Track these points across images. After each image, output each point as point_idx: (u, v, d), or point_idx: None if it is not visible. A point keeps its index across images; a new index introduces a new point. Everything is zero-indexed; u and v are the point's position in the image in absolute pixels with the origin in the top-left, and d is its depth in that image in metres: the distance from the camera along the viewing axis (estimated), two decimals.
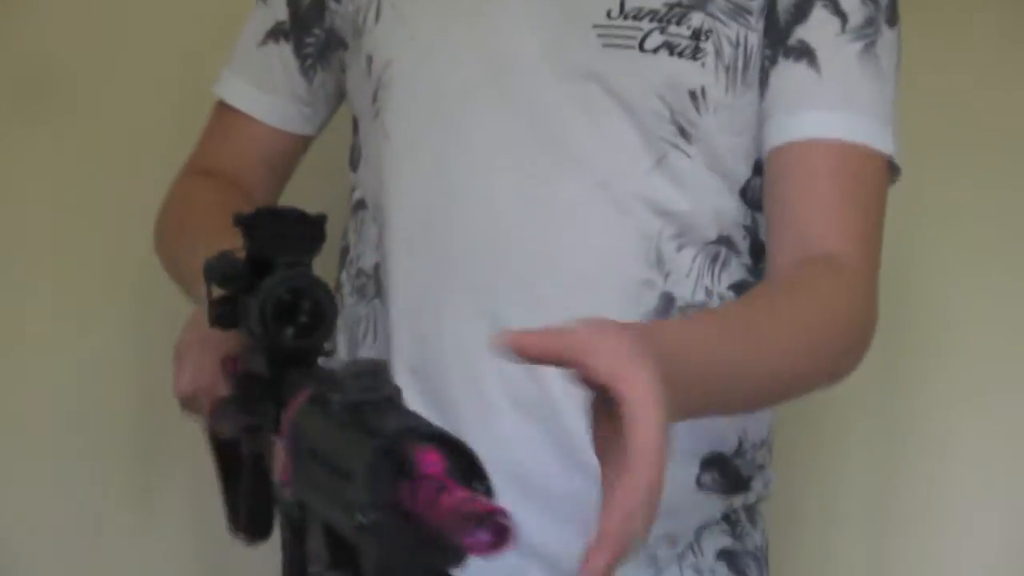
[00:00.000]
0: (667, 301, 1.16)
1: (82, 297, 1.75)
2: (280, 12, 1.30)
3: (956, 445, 1.75)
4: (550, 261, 1.15)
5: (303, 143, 1.36)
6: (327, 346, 0.95)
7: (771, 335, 1.03)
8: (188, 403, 1.09)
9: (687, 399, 0.89)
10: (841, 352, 1.10)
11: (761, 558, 1.24)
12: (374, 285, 1.23)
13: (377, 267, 1.23)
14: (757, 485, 1.23)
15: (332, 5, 1.27)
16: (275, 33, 1.31)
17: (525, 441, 1.15)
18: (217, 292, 0.98)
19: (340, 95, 1.33)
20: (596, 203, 1.15)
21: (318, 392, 0.86)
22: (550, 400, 1.14)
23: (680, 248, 1.16)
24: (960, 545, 1.75)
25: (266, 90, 1.32)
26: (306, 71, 1.31)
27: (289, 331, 0.93)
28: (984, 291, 1.74)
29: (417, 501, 0.72)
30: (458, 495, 0.70)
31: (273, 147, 1.34)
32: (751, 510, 1.24)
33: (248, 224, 0.96)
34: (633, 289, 1.16)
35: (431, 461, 0.72)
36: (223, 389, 1.05)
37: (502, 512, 0.69)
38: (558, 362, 0.85)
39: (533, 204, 1.15)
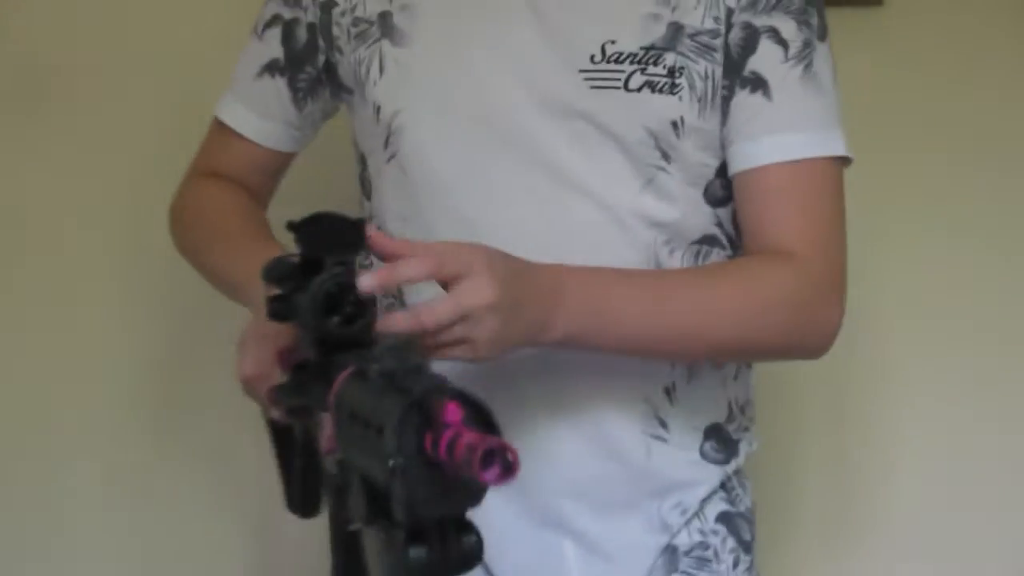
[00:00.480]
0: None
1: (82, 295, 1.80)
2: (275, 51, 1.42)
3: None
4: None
5: (292, 157, 1.50)
6: (367, 336, 1.07)
7: (678, 294, 1.22)
8: (247, 387, 1.21)
9: (573, 315, 1.15)
10: (773, 329, 1.26)
11: (751, 518, 1.39)
12: (400, 305, 1.36)
13: (401, 292, 1.36)
14: (744, 446, 1.38)
15: (335, 56, 1.39)
16: (271, 68, 1.43)
17: (556, 432, 1.30)
18: (273, 290, 1.11)
19: (325, 119, 1.47)
20: (603, 223, 1.29)
21: (359, 368, 1.00)
22: (577, 393, 1.30)
23: (671, 252, 1.31)
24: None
25: (262, 116, 1.44)
26: (298, 102, 1.44)
27: (335, 320, 1.06)
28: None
29: (439, 447, 0.85)
30: (470, 437, 0.83)
31: (266, 161, 1.47)
32: (740, 474, 1.39)
33: (300, 229, 1.08)
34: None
35: (452, 411, 0.85)
36: (277, 377, 1.18)
37: (508, 448, 0.82)
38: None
39: (554, 227, 1.29)
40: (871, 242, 1.71)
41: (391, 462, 0.86)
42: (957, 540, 1.86)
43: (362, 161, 1.41)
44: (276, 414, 1.18)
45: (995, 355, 1.86)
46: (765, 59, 1.28)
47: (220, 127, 1.47)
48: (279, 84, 1.43)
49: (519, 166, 1.29)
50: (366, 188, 1.41)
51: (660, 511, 1.32)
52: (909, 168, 1.84)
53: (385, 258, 1.10)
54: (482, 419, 0.88)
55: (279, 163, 1.49)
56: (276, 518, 1.35)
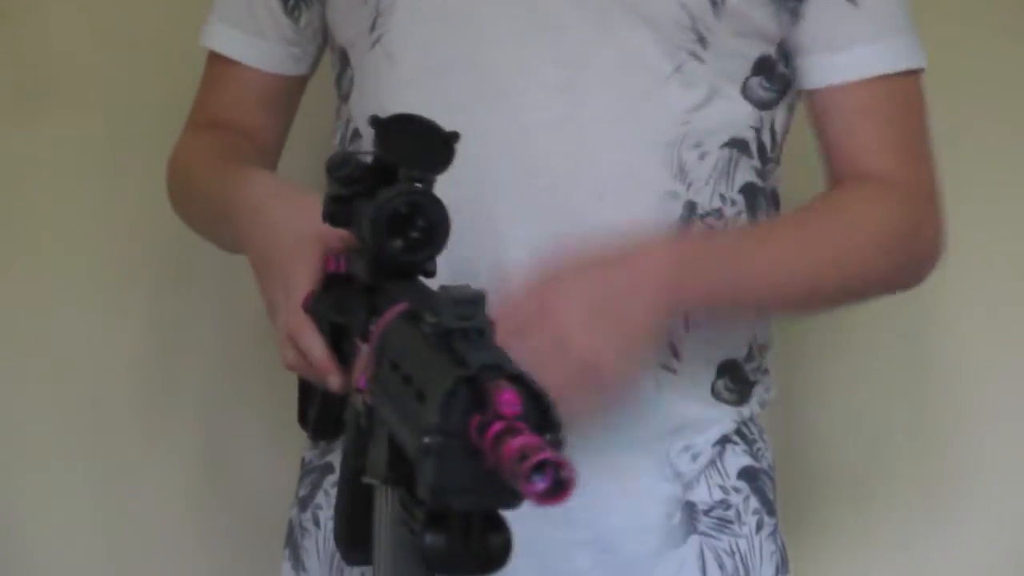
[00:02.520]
0: (690, 209, 1.20)
1: (83, 295, 1.75)
2: None
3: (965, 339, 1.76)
4: (581, 176, 1.17)
5: (298, 83, 1.35)
6: (430, 267, 0.96)
7: (789, 246, 1.14)
8: (285, 345, 1.08)
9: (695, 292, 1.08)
10: (884, 261, 1.19)
11: (773, 476, 1.30)
12: None
13: None
14: (760, 391, 1.28)
15: None
16: None
17: None
18: (335, 189, 0.98)
19: (322, 36, 1.32)
20: (620, 116, 1.17)
21: (414, 309, 0.87)
22: None
23: (701, 156, 1.19)
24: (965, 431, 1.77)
25: (253, 34, 1.31)
26: (291, 11, 1.29)
27: (398, 244, 0.93)
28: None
29: (485, 437, 0.73)
30: (524, 439, 0.71)
31: (268, 90, 1.33)
32: (759, 425, 1.29)
33: (382, 127, 0.95)
34: (660, 200, 1.19)
35: (507, 401, 0.73)
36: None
37: (564, 464, 0.70)
38: None
39: (559, 120, 1.17)
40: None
41: (426, 439, 0.75)
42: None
43: (342, 59, 1.27)
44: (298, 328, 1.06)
45: None
46: None
47: (210, 63, 1.35)
48: None
49: (528, 50, 1.17)
50: (343, 89, 1.27)
51: (669, 455, 1.22)
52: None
53: None
54: (541, 412, 0.76)
55: (283, 92, 1.34)
56: (274, 518, 1.34)
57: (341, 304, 1.02)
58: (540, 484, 0.69)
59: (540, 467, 0.70)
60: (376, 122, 0.95)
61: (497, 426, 0.73)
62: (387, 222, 0.93)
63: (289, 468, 1.35)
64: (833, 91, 1.21)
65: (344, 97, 1.27)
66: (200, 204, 1.28)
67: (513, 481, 0.70)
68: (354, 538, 1.02)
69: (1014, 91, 1.72)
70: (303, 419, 1.18)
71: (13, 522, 1.75)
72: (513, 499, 0.76)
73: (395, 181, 0.94)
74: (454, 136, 0.96)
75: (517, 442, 0.71)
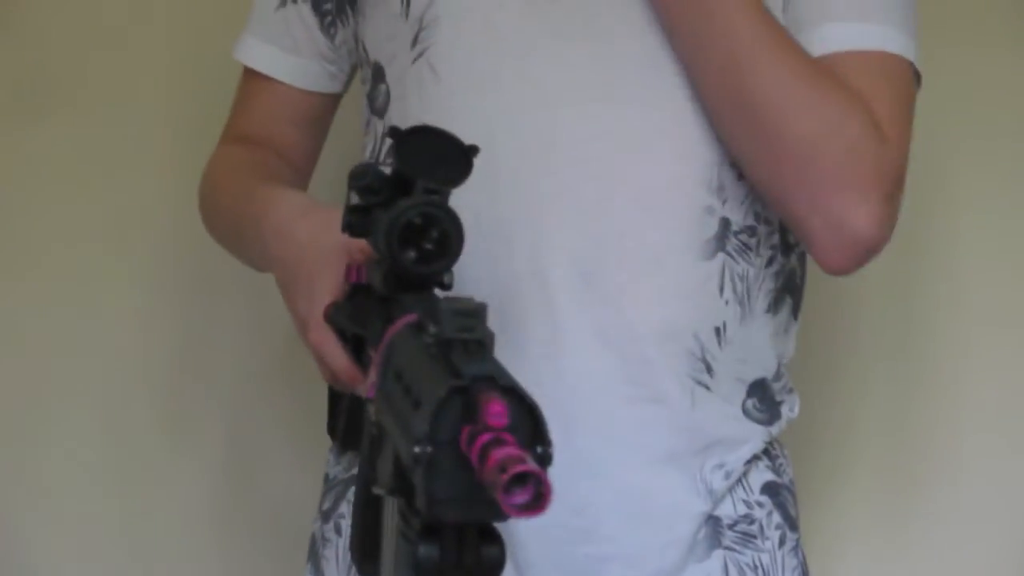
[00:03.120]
0: (724, 226, 1.20)
1: (83, 295, 1.76)
2: None
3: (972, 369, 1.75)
4: (623, 189, 1.18)
5: (332, 101, 1.36)
6: (446, 279, 0.96)
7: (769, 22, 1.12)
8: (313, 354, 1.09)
9: None
10: (812, 136, 1.13)
11: (794, 491, 1.29)
12: None
13: None
14: (785, 410, 1.27)
15: None
16: None
17: (600, 371, 1.18)
18: (354, 200, 0.99)
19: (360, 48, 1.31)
20: (660, 131, 1.17)
21: (420, 320, 0.87)
22: (629, 327, 1.18)
23: (740, 176, 1.19)
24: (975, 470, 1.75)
25: (290, 52, 1.31)
26: (327, 28, 1.30)
27: (411, 255, 0.93)
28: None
29: (473, 448, 0.73)
30: (507, 451, 0.71)
31: (302, 108, 1.34)
32: (780, 443, 1.28)
33: (400, 138, 0.96)
34: (696, 216, 1.19)
35: (496, 412, 0.73)
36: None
37: (542, 477, 0.70)
38: None
39: (600, 133, 1.17)
40: (946, 200, 1.64)
41: (417, 448, 0.75)
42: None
43: (376, 74, 1.27)
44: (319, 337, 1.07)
45: None
46: None
47: (245, 79, 1.35)
48: (303, 10, 1.31)
49: (570, 61, 1.17)
50: (377, 105, 1.27)
51: (703, 471, 1.21)
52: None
53: None
54: (531, 425, 0.75)
55: (317, 109, 1.35)
56: (295, 530, 1.35)
57: (358, 314, 1.03)
58: (519, 497, 0.70)
59: (521, 479, 0.70)
60: (395, 133, 0.96)
61: (484, 437, 0.73)
62: (401, 233, 0.93)
63: (311, 480, 1.36)
64: (830, 59, 1.17)
65: (378, 112, 1.27)
66: (227, 221, 1.29)
67: (493, 491, 0.70)
68: (368, 549, 1.02)
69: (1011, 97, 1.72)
70: (332, 430, 1.19)
71: (33, 528, 1.77)
72: (502, 512, 0.73)
73: (412, 193, 0.94)
74: (473, 149, 0.96)
75: (499, 453, 0.71)
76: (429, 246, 0.94)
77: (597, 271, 1.17)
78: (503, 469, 0.70)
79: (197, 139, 1.37)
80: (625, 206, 1.18)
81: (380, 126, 1.27)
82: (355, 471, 1.26)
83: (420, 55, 1.22)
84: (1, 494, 1.76)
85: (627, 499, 1.19)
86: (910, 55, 1.19)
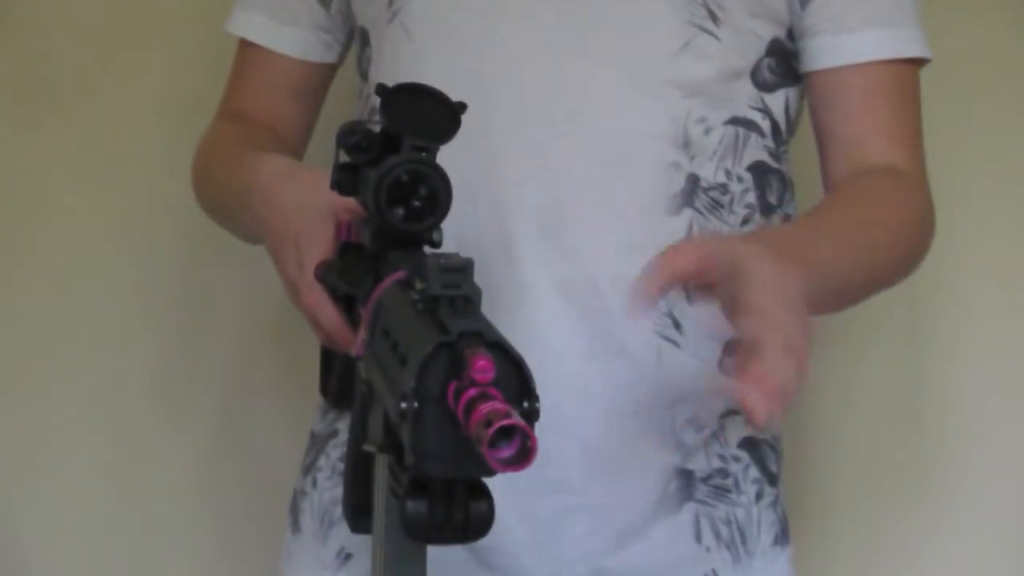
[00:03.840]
0: (692, 182, 1.21)
1: (83, 296, 1.76)
2: None
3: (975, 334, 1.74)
4: (587, 145, 1.19)
5: (328, 71, 1.36)
6: (436, 236, 0.96)
7: (868, 234, 1.14)
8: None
9: None
10: (921, 244, 1.21)
11: (778, 448, 1.30)
12: None
13: None
14: None
15: None
16: None
17: (562, 324, 1.19)
18: (343, 158, 0.99)
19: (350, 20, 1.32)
20: (627, 86, 1.19)
21: (408, 277, 0.89)
22: (591, 281, 1.19)
23: (707, 131, 1.21)
24: (974, 425, 1.75)
25: (284, 22, 1.32)
26: None
27: (399, 212, 0.94)
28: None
29: (459, 403, 0.74)
30: (491, 405, 0.72)
31: (299, 78, 1.34)
32: None
33: (388, 96, 0.96)
34: (663, 171, 1.20)
35: (482, 367, 0.74)
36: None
37: (527, 431, 0.71)
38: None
39: (567, 90, 1.19)
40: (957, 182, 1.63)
41: (403, 404, 0.76)
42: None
43: (362, 39, 1.29)
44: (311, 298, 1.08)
45: None
46: None
47: (241, 52, 1.35)
48: None
49: (539, 19, 1.19)
50: (363, 69, 1.29)
51: (673, 424, 1.22)
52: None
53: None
54: (517, 381, 0.76)
55: (313, 79, 1.35)
56: (279, 486, 1.37)
57: (348, 273, 1.03)
58: (505, 451, 0.71)
59: (507, 434, 0.71)
60: (382, 91, 0.96)
61: (470, 392, 0.74)
62: (389, 190, 0.93)
63: (302, 445, 1.37)
64: (843, 71, 1.22)
65: (364, 76, 1.29)
66: (218, 194, 1.30)
67: (479, 446, 0.71)
68: (360, 507, 1.03)
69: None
70: (325, 389, 1.20)
71: (20, 500, 1.78)
72: (489, 467, 0.74)
73: (400, 150, 0.95)
74: (461, 106, 0.97)
75: (485, 408, 0.72)
76: (417, 203, 0.94)
77: (559, 226, 1.19)
78: (488, 423, 0.71)
79: (197, 137, 1.37)
80: (589, 162, 1.19)
81: (366, 89, 1.28)
82: (336, 426, 1.29)
83: (395, 16, 1.24)
84: None
85: (593, 452, 1.20)
86: (921, 51, 1.23)
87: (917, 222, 1.22)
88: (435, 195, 0.94)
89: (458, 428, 0.75)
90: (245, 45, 1.35)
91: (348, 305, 1.07)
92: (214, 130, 1.36)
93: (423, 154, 0.94)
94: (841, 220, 1.17)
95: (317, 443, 1.33)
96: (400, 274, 0.91)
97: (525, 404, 0.76)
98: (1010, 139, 1.70)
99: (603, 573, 1.23)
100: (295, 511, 1.33)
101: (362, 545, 1.22)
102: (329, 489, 1.29)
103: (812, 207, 1.22)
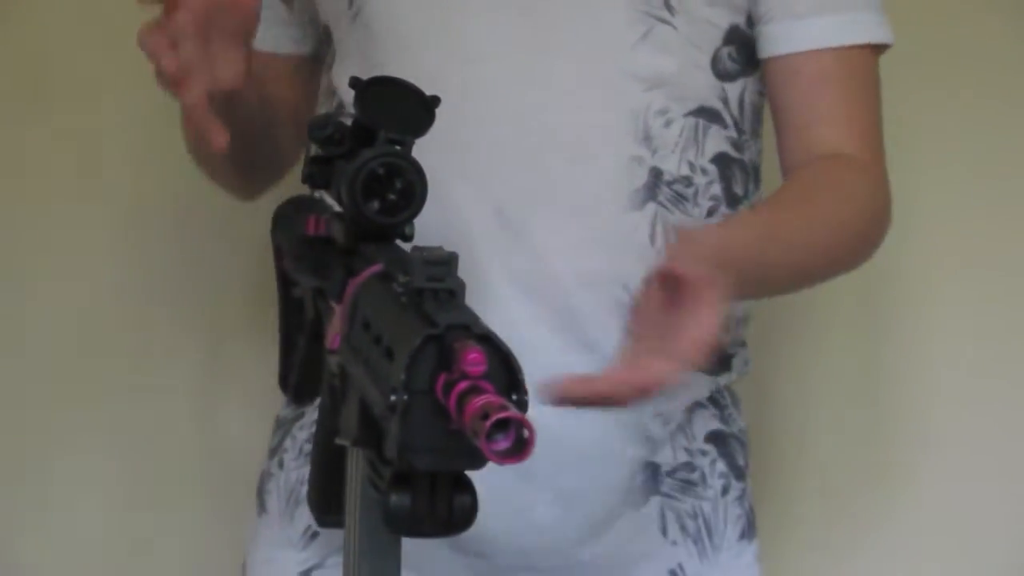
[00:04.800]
0: (655, 176, 1.20)
1: (83, 296, 1.75)
2: None
3: (935, 325, 1.74)
4: (549, 141, 1.18)
5: (305, 62, 1.35)
6: (408, 230, 0.95)
7: (806, 235, 1.13)
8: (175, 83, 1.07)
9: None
10: (867, 239, 1.20)
11: (745, 442, 1.30)
12: None
13: None
14: (738, 363, 1.28)
15: None
16: None
17: (526, 319, 1.18)
18: (315, 151, 0.98)
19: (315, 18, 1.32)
20: (588, 81, 1.19)
21: (387, 270, 0.88)
22: (554, 276, 1.18)
23: (667, 124, 1.20)
24: (935, 417, 1.74)
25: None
26: None
27: (375, 205, 0.93)
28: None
29: (450, 396, 0.73)
30: (487, 398, 0.71)
31: (275, 70, 1.33)
32: (733, 393, 1.30)
33: (362, 89, 0.95)
34: (625, 165, 1.19)
35: (474, 360, 0.74)
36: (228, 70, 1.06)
37: (525, 423, 0.71)
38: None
39: (529, 85, 1.18)
40: (916, 169, 1.62)
41: (392, 397, 0.75)
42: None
43: (326, 36, 1.29)
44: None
45: None
46: None
47: None
48: None
49: (498, 14, 1.19)
50: (328, 64, 1.29)
51: (640, 417, 1.21)
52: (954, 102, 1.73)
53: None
54: (507, 374, 0.76)
55: (287, 70, 1.34)
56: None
57: (319, 267, 1.02)
58: (502, 443, 0.70)
59: (503, 426, 0.70)
60: (356, 84, 0.95)
61: (462, 385, 0.73)
62: (364, 184, 0.92)
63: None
64: (793, 58, 1.21)
65: (329, 72, 1.29)
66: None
67: (475, 439, 0.71)
68: (327, 501, 1.03)
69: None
70: (284, 382, 1.19)
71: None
72: (478, 460, 0.76)
73: (374, 143, 0.94)
74: (435, 100, 0.96)
75: (480, 400, 0.71)
76: (392, 197, 0.93)
77: (520, 221, 1.18)
78: (485, 415, 0.70)
79: None
80: (549, 156, 1.19)
81: (332, 85, 1.28)
82: (301, 410, 1.29)
83: (356, 15, 1.23)
84: None
85: (559, 444, 1.19)
86: (880, 36, 1.22)
87: (863, 215, 1.20)
88: (411, 189, 0.93)
89: (448, 421, 0.74)
90: None
91: (315, 301, 1.06)
92: None
93: (398, 148, 0.94)
94: (778, 219, 1.16)
95: (283, 426, 1.33)
96: (378, 267, 0.90)
97: (514, 397, 0.76)
98: (968, 123, 1.70)
99: (576, 565, 1.23)
100: (261, 493, 1.33)
101: None
102: (295, 469, 1.29)
103: (757, 202, 1.24)
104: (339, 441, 0.93)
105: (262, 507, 1.33)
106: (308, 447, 1.24)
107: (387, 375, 0.77)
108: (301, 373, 1.14)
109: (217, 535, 1.73)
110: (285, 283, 1.14)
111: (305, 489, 1.20)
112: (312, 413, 1.23)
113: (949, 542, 1.73)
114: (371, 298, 0.87)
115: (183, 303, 1.76)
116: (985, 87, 1.70)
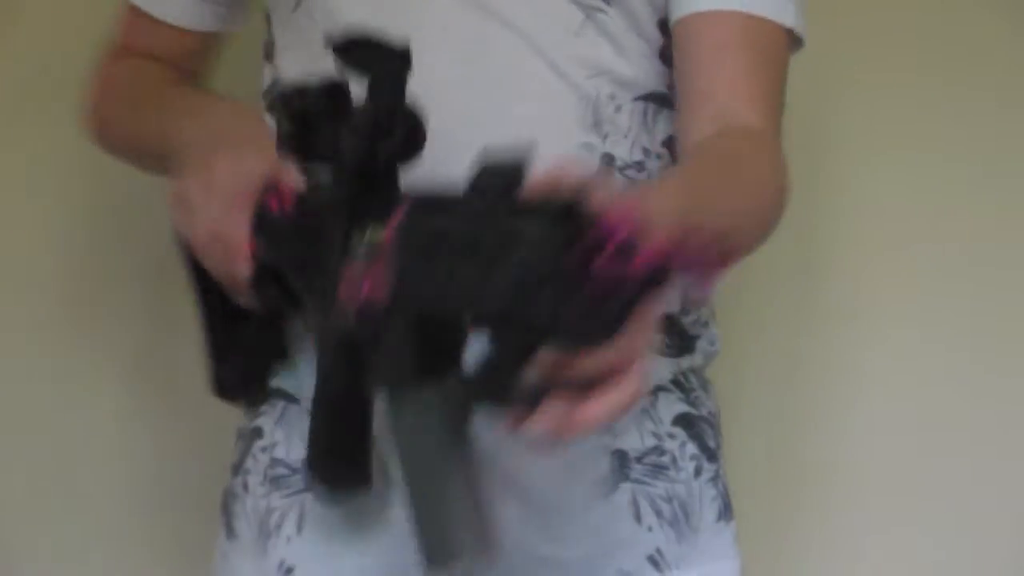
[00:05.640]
0: (607, 161, 1.20)
1: (83, 297, 1.73)
2: None
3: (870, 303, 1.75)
4: (495, 129, 1.15)
5: (222, 38, 1.36)
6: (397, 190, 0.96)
7: (720, 204, 1.10)
8: (205, 249, 1.06)
9: None
10: (772, 214, 1.16)
11: (715, 424, 1.29)
12: None
13: None
14: (703, 344, 1.27)
15: None
16: None
17: None
18: (285, 125, 0.98)
19: None
20: (533, 68, 1.18)
21: (425, 200, 0.85)
22: None
23: (617, 109, 1.20)
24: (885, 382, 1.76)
25: None
26: None
27: (386, 146, 0.94)
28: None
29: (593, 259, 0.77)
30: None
31: (193, 45, 1.34)
32: (700, 376, 1.28)
33: (344, 49, 0.96)
34: (575, 152, 1.18)
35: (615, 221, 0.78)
36: (238, 229, 1.03)
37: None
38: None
39: (472, 74, 1.17)
40: (860, 162, 1.65)
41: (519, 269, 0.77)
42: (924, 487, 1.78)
43: (267, 20, 1.28)
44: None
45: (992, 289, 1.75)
46: None
47: (131, 13, 1.33)
48: None
49: (441, 4, 1.18)
50: (268, 51, 1.28)
51: None
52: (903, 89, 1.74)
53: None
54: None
55: (208, 44, 1.35)
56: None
57: (306, 234, 0.99)
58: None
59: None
60: (335, 43, 0.96)
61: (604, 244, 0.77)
62: (374, 129, 0.94)
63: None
64: (697, 18, 1.18)
65: (268, 57, 1.27)
66: (128, 121, 1.28)
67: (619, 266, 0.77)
68: (339, 466, 1.00)
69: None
70: (220, 385, 1.14)
71: None
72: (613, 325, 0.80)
73: (349, 103, 0.96)
74: (407, 49, 0.98)
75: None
76: (399, 139, 0.96)
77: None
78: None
79: None
80: (498, 145, 1.17)
81: (269, 71, 1.27)
82: (257, 422, 1.25)
83: (298, 4, 1.22)
84: None
85: (516, 439, 1.15)
86: (789, 20, 1.20)
87: (777, 189, 1.17)
88: (417, 130, 0.96)
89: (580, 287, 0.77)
90: (132, 10, 1.34)
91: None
92: (109, 65, 1.34)
93: (398, 94, 0.96)
94: (702, 186, 1.12)
95: (243, 439, 1.29)
96: (412, 200, 0.87)
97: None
98: (905, 104, 1.72)
99: (540, 562, 1.20)
100: (228, 513, 1.29)
101: (303, 556, 1.22)
102: (263, 496, 1.25)
103: (683, 168, 1.22)
104: (380, 387, 0.88)
105: (230, 529, 1.28)
106: (272, 472, 1.23)
107: (508, 261, 0.78)
108: (248, 371, 1.12)
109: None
110: (200, 277, 1.09)
111: (275, 519, 1.22)
112: (273, 432, 1.23)
113: (903, 522, 1.75)
114: (431, 222, 0.84)
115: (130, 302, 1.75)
116: (985, 87, 1.73)
